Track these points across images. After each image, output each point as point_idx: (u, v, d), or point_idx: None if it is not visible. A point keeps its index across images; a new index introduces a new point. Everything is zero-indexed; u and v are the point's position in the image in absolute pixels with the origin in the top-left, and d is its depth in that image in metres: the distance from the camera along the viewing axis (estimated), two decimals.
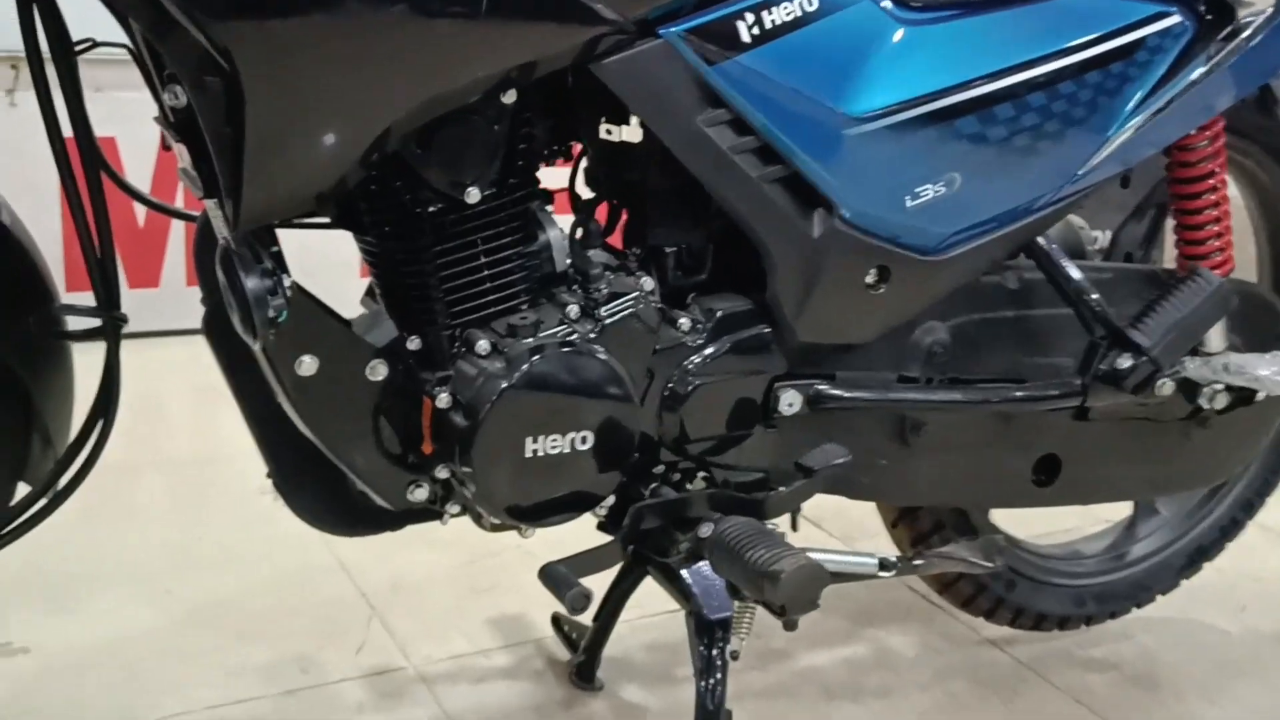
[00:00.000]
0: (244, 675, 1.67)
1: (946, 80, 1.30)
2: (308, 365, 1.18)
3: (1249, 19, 1.45)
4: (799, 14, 1.22)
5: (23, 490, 1.27)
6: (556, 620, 1.75)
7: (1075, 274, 1.45)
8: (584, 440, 1.23)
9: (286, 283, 1.13)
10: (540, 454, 1.22)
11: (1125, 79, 1.37)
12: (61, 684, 1.65)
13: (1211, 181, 1.50)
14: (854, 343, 1.39)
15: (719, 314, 1.32)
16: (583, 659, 1.68)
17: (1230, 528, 1.85)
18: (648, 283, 1.29)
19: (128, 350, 1.25)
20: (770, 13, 1.21)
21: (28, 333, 1.20)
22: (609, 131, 1.23)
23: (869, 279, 1.34)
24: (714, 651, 1.31)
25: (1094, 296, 1.45)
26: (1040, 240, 1.44)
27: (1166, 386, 1.47)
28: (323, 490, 1.32)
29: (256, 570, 1.94)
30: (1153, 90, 1.39)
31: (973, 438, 1.49)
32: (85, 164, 1.17)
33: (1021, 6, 1.34)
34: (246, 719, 1.59)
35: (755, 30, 1.21)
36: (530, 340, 1.22)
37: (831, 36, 1.25)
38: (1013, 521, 1.76)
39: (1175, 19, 1.39)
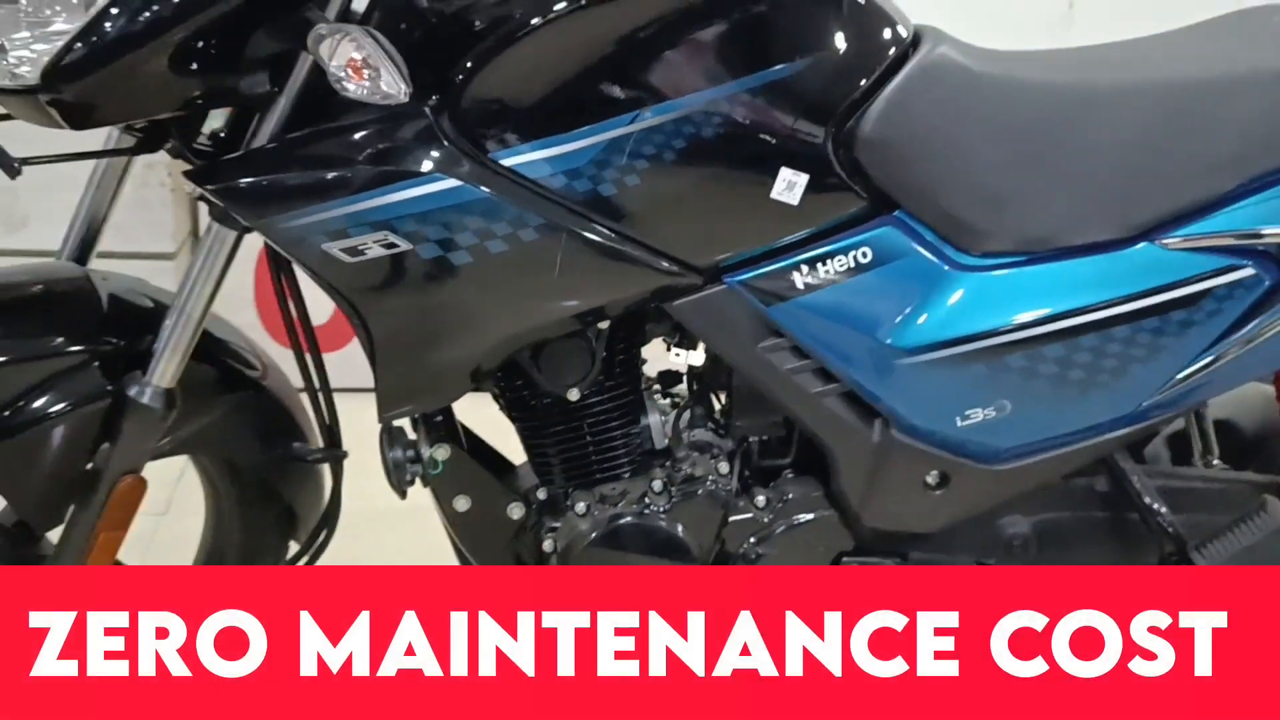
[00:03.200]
0: None
1: (998, 323, 1.45)
2: (462, 504, 1.57)
3: None
4: (852, 265, 1.43)
5: None
6: None
7: (1149, 488, 1.54)
8: None
9: (427, 454, 1.52)
10: None
11: (1188, 325, 1.45)
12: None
13: None
14: (921, 532, 1.57)
15: (789, 497, 1.56)
16: None
17: None
18: (723, 467, 1.56)
19: None
20: (825, 265, 1.43)
21: (278, 459, 1.66)
22: (676, 354, 1.51)
23: (930, 480, 1.52)
24: None
25: (1163, 511, 1.53)
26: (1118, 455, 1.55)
27: None
28: None
29: None
30: (1221, 336, 1.46)
31: None
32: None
33: (1088, 257, 1.46)
34: None
35: (810, 279, 1.43)
36: (613, 509, 1.53)
37: (885, 283, 1.44)
38: None
39: (1248, 271, 1.45)
